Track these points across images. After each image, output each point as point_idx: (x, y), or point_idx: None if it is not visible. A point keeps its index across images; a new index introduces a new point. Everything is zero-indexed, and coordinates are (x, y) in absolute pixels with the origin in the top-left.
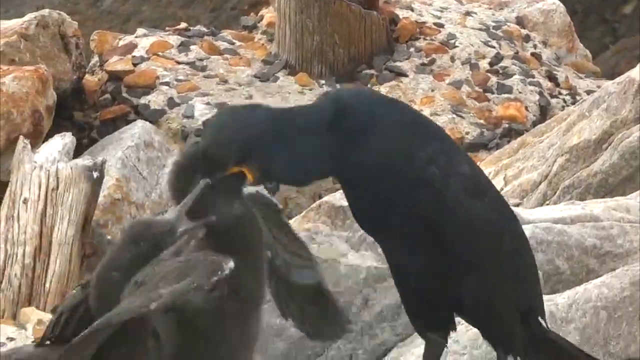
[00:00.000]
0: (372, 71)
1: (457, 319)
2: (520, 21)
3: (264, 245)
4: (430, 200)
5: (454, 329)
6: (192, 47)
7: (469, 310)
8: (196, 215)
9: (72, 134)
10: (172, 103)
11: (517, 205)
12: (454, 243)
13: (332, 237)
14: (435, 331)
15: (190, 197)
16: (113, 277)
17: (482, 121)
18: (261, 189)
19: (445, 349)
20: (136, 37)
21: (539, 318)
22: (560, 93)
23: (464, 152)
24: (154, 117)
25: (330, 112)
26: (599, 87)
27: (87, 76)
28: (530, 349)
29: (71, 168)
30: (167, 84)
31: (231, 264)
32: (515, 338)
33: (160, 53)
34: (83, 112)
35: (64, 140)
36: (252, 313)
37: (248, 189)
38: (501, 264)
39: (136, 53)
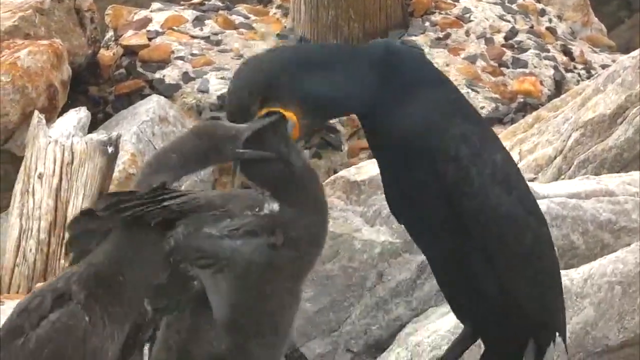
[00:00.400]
0: None
1: None
2: None
3: (326, 207)
4: (455, 176)
5: None
6: (207, 21)
7: (480, 305)
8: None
9: (87, 109)
10: (186, 77)
11: (532, 180)
12: (473, 227)
13: (347, 212)
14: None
15: (252, 125)
16: (171, 158)
17: (497, 95)
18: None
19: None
20: (151, 11)
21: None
22: (575, 67)
23: (501, 145)
24: (169, 91)
25: (379, 55)
26: (613, 61)
27: (102, 51)
28: None
29: (86, 143)
30: (181, 58)
31: (275, 206)
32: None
33: (175, 27)
34: (98, 86)
35: (78, 115)
36: (304, 271)
37: None
38: (519, 263)
39: (151, 27)
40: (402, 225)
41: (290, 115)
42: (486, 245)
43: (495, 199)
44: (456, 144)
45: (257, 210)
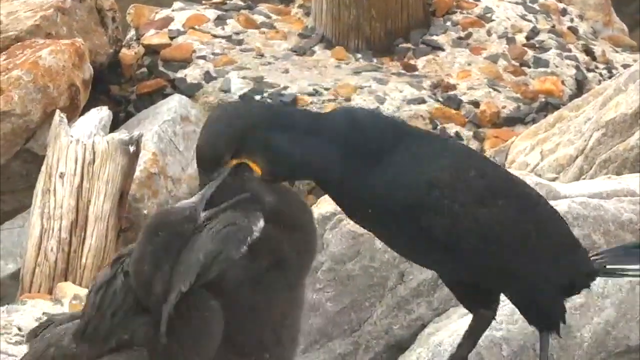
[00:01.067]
0: (409, 45)
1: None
2: None
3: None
4: (441, 224)
5: (498, 302)
6: (228, 20)
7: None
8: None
9: (109, 108)
10: (208, 77)
11: (554, 179)
12: (481, 254)
13: None
14: (485, 308)
15: (208, 189)
16: (145, 271)
17: (518, 95)
18: None
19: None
20: (173, 10)
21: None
22: (596, 67)
23: (471, 154)
24: (191, 91)
25: (345, 127)
26: (635, 61)
27: (123, 50)
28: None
29: (107, 142)
30: (203, 57)
31: (260, 224)
32: (556, 316)
33: (196, 27)
34: (119, 86)
35: (100, 114)
36: (296, 286)
37: None
38: (532, 254)
39: (173, 27)
40: None
41: (256, 169)
42: (497, 258)
43: (487, 218)
44: (427, 193)
45: (249, 239)
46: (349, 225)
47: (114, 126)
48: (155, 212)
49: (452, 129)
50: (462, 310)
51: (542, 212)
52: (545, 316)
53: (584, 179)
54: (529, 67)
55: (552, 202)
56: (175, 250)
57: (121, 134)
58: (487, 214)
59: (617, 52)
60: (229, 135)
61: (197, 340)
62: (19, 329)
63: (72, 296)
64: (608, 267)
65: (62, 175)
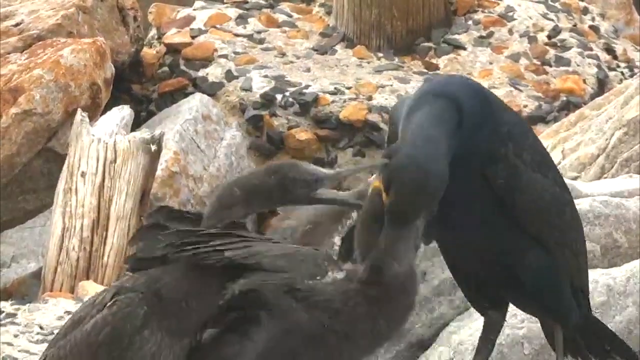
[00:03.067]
0: (430, 44)
1: None
2: None
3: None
4: (505, 175)
5: (507, 305)
6: (250, 19)
7: (531, 287)
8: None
9: (130, 107)
10: (230, 76)
11: (575, 178)
12: (524, 217)
13: None
14: (495, 310)
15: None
16: (235, 192)
17: (540, 94)
18: None
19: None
20: (194, 9)
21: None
22: (618, 66)
23: (525, 122)
24: (212, 89)
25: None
26: None
27: (145, 49)
28: (577, 328)
29: (129, 141)
30: (225, 56)
31: (339, 275)
32: (571, 314)
33: (218, 25)
34: (141, 85)
35: (122, 113)
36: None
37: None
38: (564, 238)
39: (194, 25)
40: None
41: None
42: (534, 228)
43: (541, 184)
44: (505, 143)
45: (318, 278)
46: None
47: (136, 125)
48: (286, 161)
49: None
50: None
51: (573, 202)
52: (559, 304)
53: (605, 177)
54: (551, 66)
55: (574, 202)
56: (271, 200)
57: (143, 133)
58: (541, 179)
59: (638, 50)
60: (430, 204)
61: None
62: (41, 328)
63: (93, 295)
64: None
65: (83, 174)
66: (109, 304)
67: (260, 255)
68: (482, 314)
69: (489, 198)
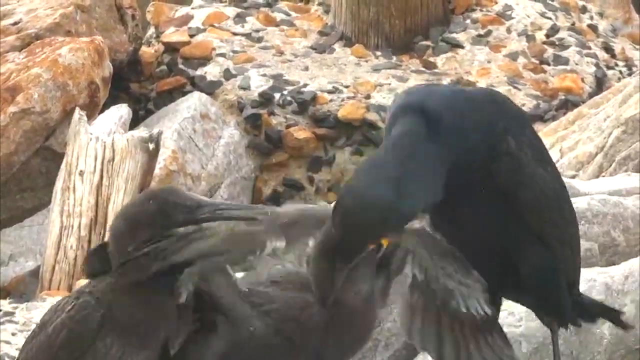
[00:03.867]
0: (428, 42)
1: None
2: None
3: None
4: (509, 169)
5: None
6: (248, 18)
7: (531, 284)
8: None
9: (128, 106)
10: (228, 74)
11: (573, 177)
12: (527, 213)
13: None
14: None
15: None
16: (120, 225)
17: (538, 93)
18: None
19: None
20: (192, 8)
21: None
22: (616, 64)
23: (524, 115)
24: (210, 88)
25: (423, 127)
26: None
27: (143, 47)
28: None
29: (127, 140)
30: (223, 55)
31: (279, 244)
32: (568, 310)
33: (216, 24)
34: (139, 83)
35: (120, 112)
36: None
37: (413, 224)
38: (564, 235)
39: (192, 24)
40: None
41: (385, 242)
42: (536, 224)
43: (542, 179)
44: (503, 137)
45: (258, 253)
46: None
47: (134, 124)
48: (165, 187)
49: None
50: None
51: (569, 197)
52: (558, 301)
53: (603, 176)
54: (549, 64)
55: (571, 200)
56: (156, 225)
57: (141, 132)
58: (543, 173)
59: (636, 49)
60: (377, 234)
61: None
62: None
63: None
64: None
65: (81, 173)
66: (68, 308)
67: (196, 247)
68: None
69: (493, 196)
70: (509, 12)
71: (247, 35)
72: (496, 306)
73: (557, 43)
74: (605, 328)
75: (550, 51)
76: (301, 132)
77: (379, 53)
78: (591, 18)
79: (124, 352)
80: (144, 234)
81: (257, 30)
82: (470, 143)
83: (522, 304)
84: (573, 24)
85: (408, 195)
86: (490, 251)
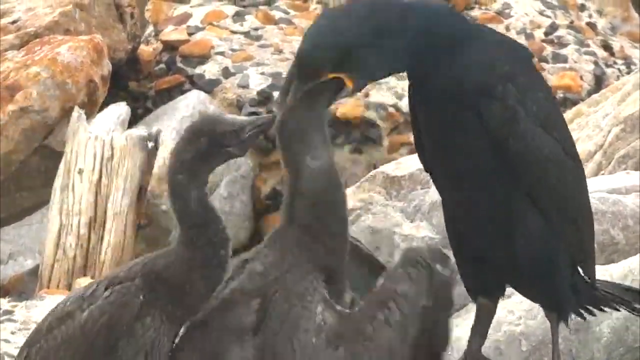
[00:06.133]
0: None
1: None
2: None
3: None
4: (501, 116)
5: (503, 294)
6: (247, 16)
7: (524, 255)
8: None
9: (127, 104)
10: (227, 73)
11: None
12: (518, 168)
13: (387, 207)
14: (486, 296)
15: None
16: (180, 180)
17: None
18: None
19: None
20: (191, 6)
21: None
22: (615, 62)
23: (543, 82)
24: (209, 87)
25: (424, 22)
26: None
27: (142, 46)
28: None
29: (126, 138)
30: (222, 53)
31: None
32: (567, 297)
33: (215, 23)
34: (138, 82)
35: (118, 110)
36: None
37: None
38: (562, 203)
39: (191, 23)
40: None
41: (349, 83)
42: (530, 185)
43: (540, 138)
44: (503, 83)
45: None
46: (368, 220)
47: (133, 122)
48: (201, 115)
49: None
50: None
51: (581, 172)
52: (554, 281)
53: (602, 174)
54: (548, 62)
55: None
56: (214, 161)
57: (140, 130)
58: (542, 134)
59: (635, 47)
60: (331, 51)
61: None
62: None
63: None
64: (605, 291)
65: (80, 172)
66: (105, 294)
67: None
68: (474, 300)
69: (482, 137)
70: (507, 10)
71: (246, 34)
72: (493, 301)
73: (555, 41)
74: (604, 326)
75: (549, 49)
76: None
77: None
78: (590, 16)
79: (160, 332)
80: (203, 173)
81: (256, 29)
82: (462, 68)
83: (521, 292)
84: (572, 22)
85: (377, 54)
86: (485, 212)
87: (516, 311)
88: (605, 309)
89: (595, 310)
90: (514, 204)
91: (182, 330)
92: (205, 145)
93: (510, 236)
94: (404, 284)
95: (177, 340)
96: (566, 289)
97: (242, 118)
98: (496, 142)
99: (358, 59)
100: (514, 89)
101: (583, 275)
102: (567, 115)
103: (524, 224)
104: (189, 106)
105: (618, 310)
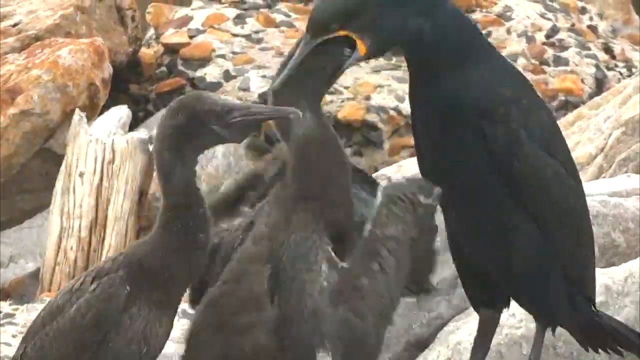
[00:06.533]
0: None
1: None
2: None
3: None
4: (505, 139)
5: (506, 306)
6: (248, 19)
7: (520, 268)
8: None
9: (128, 107)
10: (228, 76)
11: None
12: (521, 189)
13: None
14: (488, 307)
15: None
16: (165, 156)
17: (538, 94)
18: None
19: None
20: (192, 9)
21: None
22: (616, 65)
23: (545, 105)
24: (210, 89)
25: (449, 23)
26: None
27: (143, 49)
28: (581, 334)
29: (127, 141)
30: (222, 56)
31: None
32: (558, 309)
33: (216, 25)
34: (139, 85)
35: (119, 113)
36: None
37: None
38: (562, 221)
39: (192, 25)
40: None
41: (360, 47)
42: (532, 205)
43: (543, 159)
44: (507, 105)
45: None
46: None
47: (134, 125)
48: (190, 93)
49: None
50: None
51: (582, 193)
52: (545, 293)
53: (603, 177)
54: (549, 65)
55: None
56: (200, 140)
57: (140, 133)
58: (545, 156)
59: (636, 50)
60: (344, 5)
61: None
62: None
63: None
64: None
65: (81, 175)
66: (91, 287)
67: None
68: (476, 311)
69: (485, 157)
70: (508, 13)
71: (247, 37)
72: (497, 311)
73: (557, 44)
74: None
75: (550, 52)
76: None
77: None
78: (591, 19)
79: (149, 321)
80: (189, 152)
81: (257, 32)
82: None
83: (520, 304)
84: (573, 25)
85: (390, 17)
86: (486, 234)
87: (517, 314)
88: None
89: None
90: (514, 221)
91: (198, 307)
92: (184, 121)
93: (510, 252)
94: (390, 226)
95: (193, 318)
96: (563, 305)
97: (236, 102)
98: (499, 163)
99: (371, 17)
100: (517, 112)
101: (584, 294)
102: (568, 118)
103: (524, 240)
104: None
105: (620, 350)
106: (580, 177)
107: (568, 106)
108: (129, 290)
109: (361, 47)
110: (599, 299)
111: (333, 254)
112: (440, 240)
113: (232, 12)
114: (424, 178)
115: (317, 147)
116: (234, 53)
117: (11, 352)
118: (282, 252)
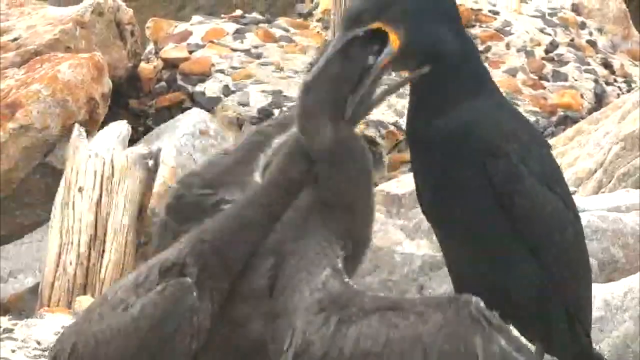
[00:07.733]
0: None
1: None
2: (575, 8)
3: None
4: (507, 174)
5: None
6: (247, 34)
7: (519, 301)
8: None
9: (128, 122)
10: (227, 91)
11: (573, 193)
12: (522, 224)
13: (387, 225)
14: None
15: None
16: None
17: (537, 109)
18: None
19: None
20: (191, 24)
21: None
22: (615, 81)
23: (545, 141)
24: (210, 104)
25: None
26: None
27: (142, 64)
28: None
29: (126, 156)
30: (222, 71)
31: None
32: (558, 340)
33: (215, 40)
34: (138, 99)
35: (119, 128)
36: None
37: None
38: (561, 256)
39: (191, 40)
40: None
41: (393, 40)
42: (532, 239)
43: (543, 195)
44: (510, 140)
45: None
46: None
47: (133, 140)
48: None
49: None
50: None
51: (580, 228)
52: (548, 328)
53: (603, 192)
54: (548, 80)
55: None
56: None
57: (140, 148)
58: (545, 191)
59: (636, 65)
60: (373, 10)
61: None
62: (38, 343)
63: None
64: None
65: (81, 190)
66: (158, 288)
67: None
68: None
69: (485, 192)
70: (507, 28)
71: (247, 52)
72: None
73: (556, 59)
74: (604, 345)
75: (549, 67)
76: None
77: None
78: (590, 34)
79: (209, 317)
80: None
81: (256, 47)
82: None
83: (515, 327)
84: (572, 40)
85: (427, 20)
86: (483, 260)
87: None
88: None
89: None
90: (514, 255)
91: None
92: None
93: (509, 285)
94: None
95: None
96: (561, 338)
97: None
98: (500, 198)
99: (405, 9)
100: (519, 148)
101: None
102: (568, 133)
103: (523, 274)
104: (190, 124)
105: None
106: (580, 192)
107: (567, 121)
108: (196, 294)
109: (394, 42)
110: (598, 314)
111: (340, 264)
112: (440, 253)
113: (231, 27)
114: (423, 211)
115: (340, 155)
116: (233, 68)
117: None
118: (289, 249)
